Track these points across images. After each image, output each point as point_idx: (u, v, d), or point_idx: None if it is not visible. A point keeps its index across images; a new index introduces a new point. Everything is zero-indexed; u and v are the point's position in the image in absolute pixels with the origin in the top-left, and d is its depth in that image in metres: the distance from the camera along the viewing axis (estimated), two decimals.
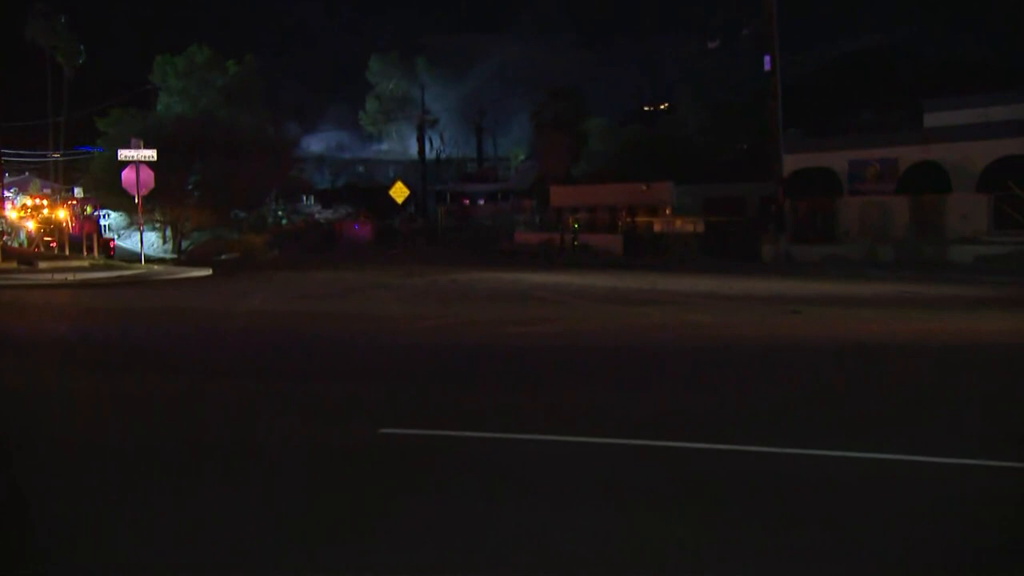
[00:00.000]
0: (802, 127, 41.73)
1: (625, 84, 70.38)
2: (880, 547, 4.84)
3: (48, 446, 7.21)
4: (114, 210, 50.56)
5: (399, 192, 45.98)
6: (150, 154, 31.10)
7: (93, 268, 29.26)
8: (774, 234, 34.95)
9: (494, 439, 7.15)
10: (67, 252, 36.07)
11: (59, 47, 63.30)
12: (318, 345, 13.17)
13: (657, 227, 40.52)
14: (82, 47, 65.02)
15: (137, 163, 30.73)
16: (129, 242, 47.32)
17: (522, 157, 67.90)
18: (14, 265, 29.09)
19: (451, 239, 50.67)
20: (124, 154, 31.30)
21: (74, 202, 50.45)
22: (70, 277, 25.96)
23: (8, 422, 8.19)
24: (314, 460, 6.62)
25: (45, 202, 46.93)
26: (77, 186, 57.56)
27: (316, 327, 15.39)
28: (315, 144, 73.84)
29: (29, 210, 45.07)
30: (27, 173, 61.20)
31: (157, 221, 49.43)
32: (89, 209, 48.59)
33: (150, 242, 48.26)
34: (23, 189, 55.61)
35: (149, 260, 35.29)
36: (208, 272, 30.00)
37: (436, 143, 71.75)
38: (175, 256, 44.97)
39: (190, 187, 47.72)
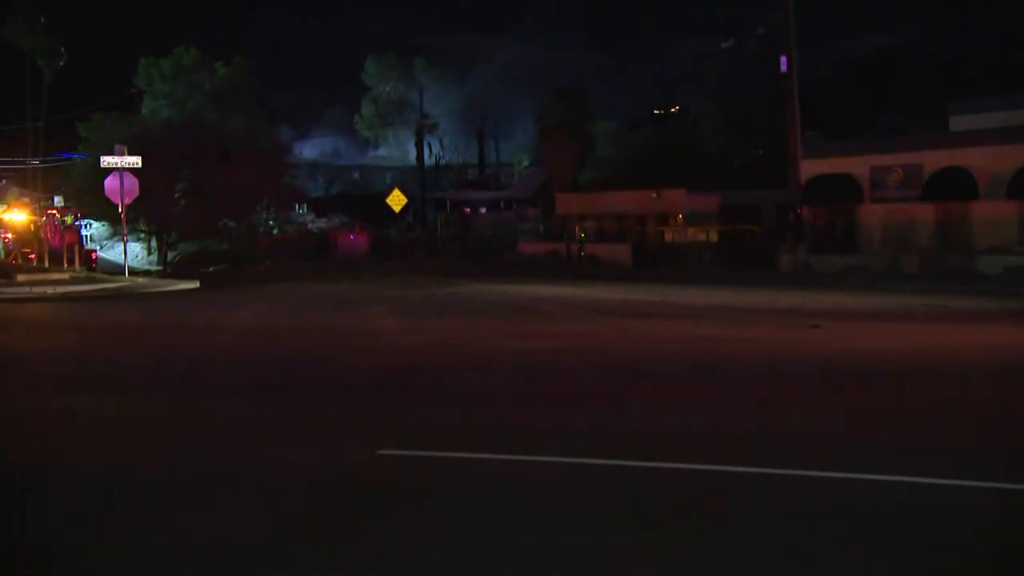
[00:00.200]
0: (820, 131, 41.78)
1: (634, 86, 70.54)
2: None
3: (28, 473, 7.21)
4: (96, 220, 50.62)
5: (396, 200, 46.14)
6: (134, 161, 31.17)
7: (74, 281, 29.31)
8: (792, 243, 34.95)
9: (497, 460, 7.15)
10: (47, 264, 36.11)
11: (38, 48, 63.44)
12: (310, 362, 13.16)
13: (668, 236, 40.52)
14: (63, 48, 65.19)
15: (121, 170, 30.81)
16: (112, 253, 47.41)
17: (526, 163, 67.99)
18: None
19: (451, 249, 50.66)
20: (107, 161, 31.36)
21: (54, 211, 50.50)
22: (50, 290, 26.01)
23: None
24: (308, 485, 6.61)
25: (24, 211, 47.01)
26: (57, 195, 57.64)
27: (309, 342, 15.40)
28: (308, 150, 73.97)
29: (6, 220, 45.15)
30: (4, 181, 61.29)
31: (142, 231, 49.49)
32: (70, 219, 48.64)
33: (134, 253, 48.33)
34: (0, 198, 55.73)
35: (133, 272, 35.34)
36: (195, 285, 30.05)
37: (435, 148, 71.87)
38: (161, 268, 45.03)
39: (177, 195, 47.77)
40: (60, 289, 26.58)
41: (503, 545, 5.30)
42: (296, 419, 8.99)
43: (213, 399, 10.04)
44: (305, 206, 63.06)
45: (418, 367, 12.38)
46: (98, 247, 48.55)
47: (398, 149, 75.71)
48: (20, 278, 28.98)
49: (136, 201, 32.68)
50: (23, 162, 63.47)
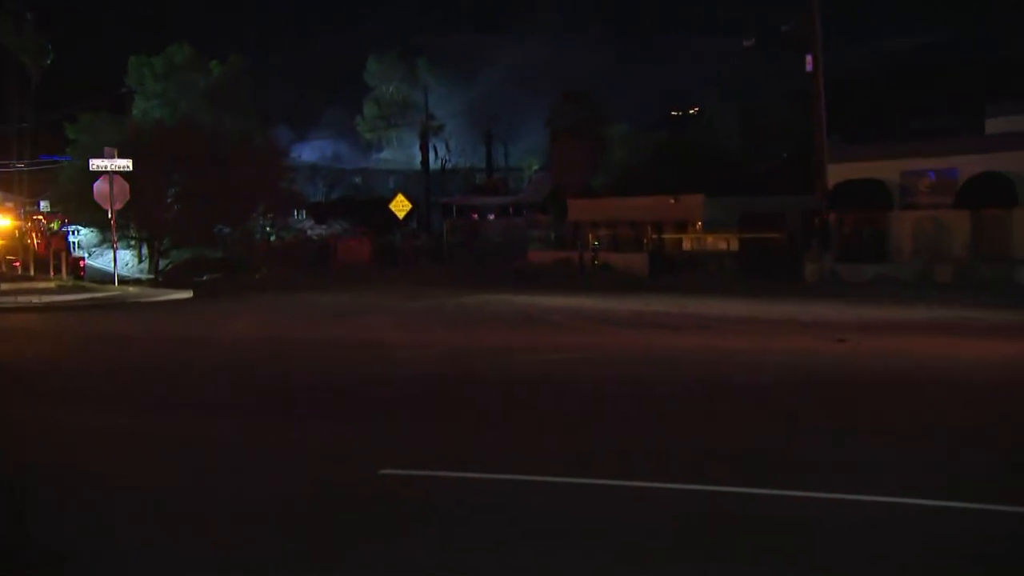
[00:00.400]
0: (846, 134, 41.68)
1: (650, 86, 70.54)
2: None
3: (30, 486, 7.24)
4: (85, 226, 50.80)
5: (400, 206, 46.22)
6: (125, 164, 31.26)
7: (61, 290, 29.42)
8: (818, 252, 34.85)
9: (503, 480, 7.16)
10: (32, 272, 36.27)
11: (25, 47, 63.82)
12: (311, 376, 13.20)
13: (686, 244, 40.44)
14: (50, 47, 65.57)
15: (111, 174, 30.91)
16: (101, 261, 47.55)
17: (536, 167, 68.06)
18: None
19: (458, 258, 50.70)
20: (96, 164, 31.42)
21: (40, 217, 50.81)
22: (35, 300, 26.10)
23: None
24: (310, 505, 6.63)
25: (8, 217, 47.25)
26: (43, 199, 57.91)
27: (309, 356, 15.43)
28: (308, 153, 74.14)
29: None
30: None
31: (132, 238, 49.62)
32: (56, 225, 48.94)
33: (124, 261, 48.46)
34: None
35: (123, 281, 35.45)
36: (188, 294, 30.13)
37: (441, 151, 71.98)
38: (152, 276, 45.15)
39: (169, 200, 47.92)
40: (46, 299, 26.68)
41: (503, 567, 5.30)
42: (298, 436, 9.02)
43: (211, 416, 10.07)
44: (304, 212, 63.17)
45: (423, 383, 12.41)
46: (86, 254, 48.69)
47: (402, 152, 75.85)
48: (3, 287, 29.13)
49: (126, 206, 32.76)
50: (8, 165, 63.75)
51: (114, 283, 32.39)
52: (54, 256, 37.04)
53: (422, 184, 64.15)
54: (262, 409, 10.55)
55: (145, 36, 63.60)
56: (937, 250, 33.28)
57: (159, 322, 21.96)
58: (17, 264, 38.62)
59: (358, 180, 75.06)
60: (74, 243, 51.30)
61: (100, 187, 31.11)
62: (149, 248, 49.98)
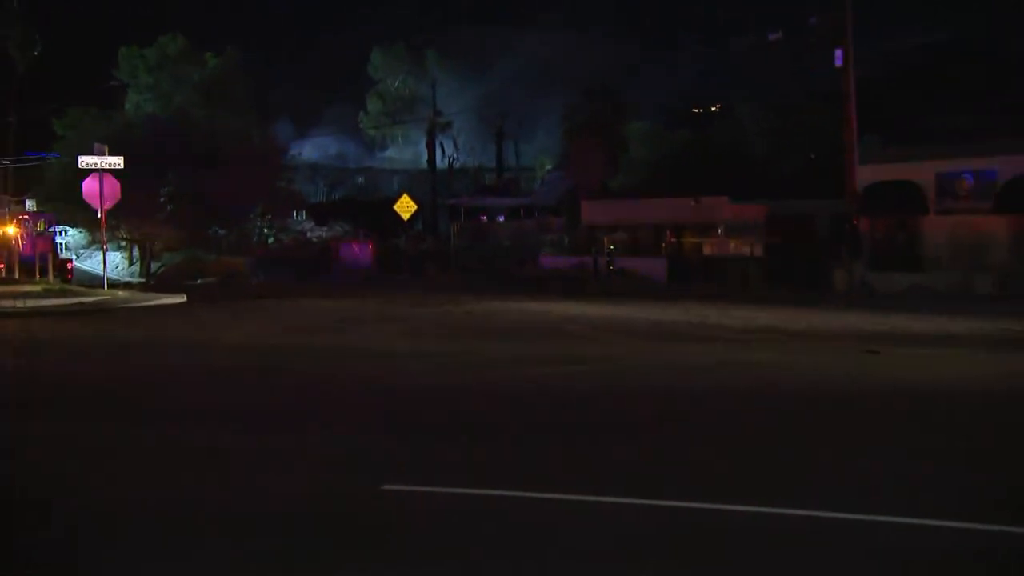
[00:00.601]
0: (879, 134, 41.55)
1: (671, 83, 70.49)
2: None
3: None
4: (72, 226, 51.05)
5: (405, 207, 46.27)
6: (116, 161, 31.35)
7: (47, 294, 29.50)
8: (848, 259, 34.73)
9: (511, 497, 7.19)
10: (16, 275, 36.40)
11: (11, 37, 64.10)
12: (312, 387, 13.24)
13: (708, 250, 40.41)
14: (37, 37, 65.84)
15: (100, 172, 31.02)
16: (90, 263, 47.79)
17: (549, 167, 68.03)
18: None
19: (466, 262, 50.72)
20: (85, 161, 31.51)
21: (25, 217, 51.02)
22: (19, 304, 26.19)
23: None
24: (310, 522, 6.65)
25: None
26: (29, 198, 58.14)
27: (309, 366, 15.47)
28: (308, 151, 74.23)
29: None
30: None
31: (123, 239, 49.85)
32: (42, 225, 49.14)
33: (114, 264, 48.66)
34: None
35: (113, 285, 35.55)
36: (182, 299, 30.20)
37: (449, 150, 72.07)
38: (143, 280, 45.33)
39: (162, 200, 48.08)
40: (31, 303, 26.76)
41: None
42: (300, 450, 9.06)
43: (211, 428, 10.11)
44: (304, 213, 63.31)
45: (429, 395, 12.45)
46: (74, 256, 48.91)
47: (407, 150, 75.91)
48: None
49: (117, 206, 32.85)
50: None
51: (103, 287, 32.46)
52: (40, 258, 37.14)
53: (428, 184, 64.19)
54: (256, 420, 10.58)
55: (138, 28, 63.76)
56: (976, 258, 33.12)
57: (151, 328, 22.01)
58: (1, 266, 38.75)
59: (361, 180, 75.16)
60: (61, 244, 51.54)
61: (89, 186, 31.20)
62: (140, 250, 50.20)
